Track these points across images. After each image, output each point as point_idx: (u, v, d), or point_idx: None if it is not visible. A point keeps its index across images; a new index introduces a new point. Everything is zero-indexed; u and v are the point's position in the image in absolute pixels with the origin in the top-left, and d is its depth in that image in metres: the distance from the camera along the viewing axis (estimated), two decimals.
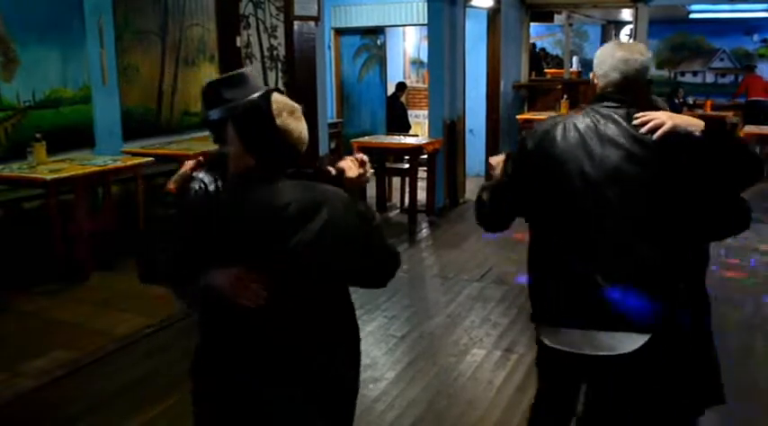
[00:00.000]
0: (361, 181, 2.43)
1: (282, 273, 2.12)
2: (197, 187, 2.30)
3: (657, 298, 2.42)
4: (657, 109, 2.67)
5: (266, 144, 2.17)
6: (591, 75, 2.71)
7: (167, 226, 2.25)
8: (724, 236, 2.74)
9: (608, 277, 2.42)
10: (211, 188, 2.29)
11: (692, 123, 2.46)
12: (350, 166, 2.40)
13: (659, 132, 2.41)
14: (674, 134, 2.41)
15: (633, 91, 2.56)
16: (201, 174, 2.33)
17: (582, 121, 2.52)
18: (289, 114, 2.18)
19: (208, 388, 2.44)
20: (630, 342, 2.42)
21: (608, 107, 2.53)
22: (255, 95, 2.27)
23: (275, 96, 2.23)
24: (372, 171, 2.51)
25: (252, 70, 2.73)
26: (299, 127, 2.20)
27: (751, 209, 2.57)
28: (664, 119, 2.43)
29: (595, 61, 2.64)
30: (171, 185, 2.31)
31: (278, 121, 2.15)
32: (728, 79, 16.70)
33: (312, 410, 2.24)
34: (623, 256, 2.43)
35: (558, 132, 2.51)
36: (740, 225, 2.57)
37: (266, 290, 2.11)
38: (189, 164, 2.36)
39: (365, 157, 2.46)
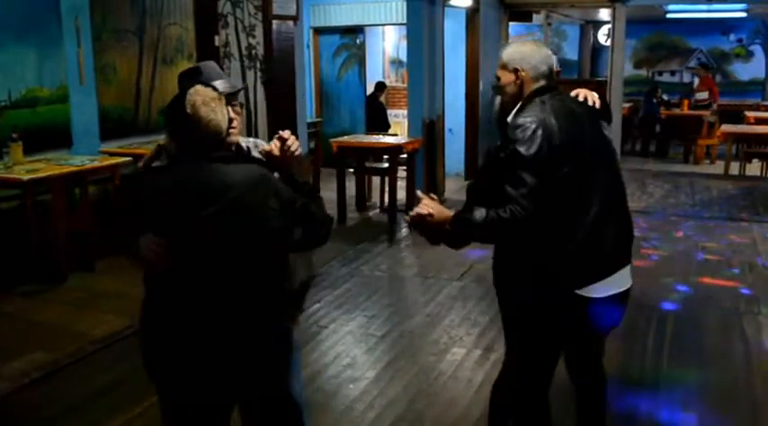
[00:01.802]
0: (286, 157, 2.67)
1: (197, 241, 2.42)
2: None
3: (631, 230, 3.02)
4: None
5: (179, 131, 2.49)
6: (508, 70, 3.00)
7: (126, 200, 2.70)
8: None
9: (616, 224, 2.90)
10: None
11: (595, 95, 3.06)
12: (273, 147, 2.68)
13: (598, 103, 3.01)
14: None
15: (555, 79, 3.05)
16: (162, 158, 2.67)
17: (559, 109, 2.84)
18: (203, 104, 2.40)
19: (152, 336, 2.63)
20: (629, 276, 2.98)
21: (557, 94, 2.95)
22: (179, 93, 2.50)
23: (198, 88, 2.46)
24: (297, 145, 2.71)
25: (210, 64, 2.82)
26: (210, 115, 2.41)
27: None
28: (586, 93, 3.04)
29: (516, 58, 2.99)
30: (139, 164, 2.76)
31: (189, 110, 2.40)
32: None
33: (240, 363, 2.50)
34: (620, 204, 2.97)
35: (553, 121, 2.77)
36: None
37: (170, 254, 2.43)
38: (153, 148, 2.77)
39: (285, 133, 2.68)
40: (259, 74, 5.28)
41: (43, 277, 6.01)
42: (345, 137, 9.38)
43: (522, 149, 2.69)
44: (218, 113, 2.43)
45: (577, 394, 3.31)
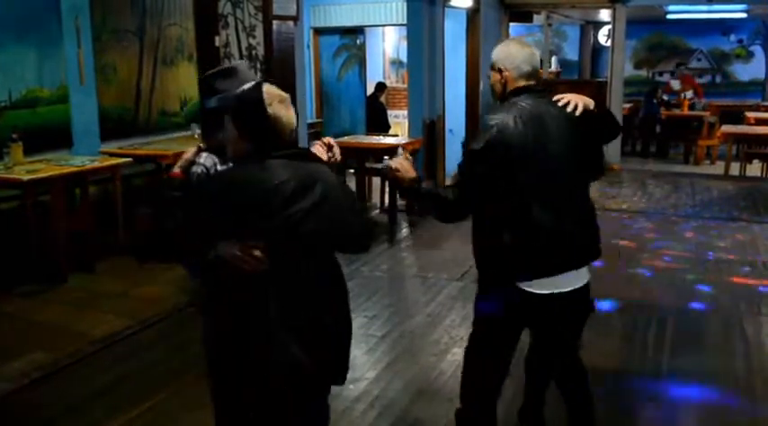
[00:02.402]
0: (330, 162, 2.76)
1: (282, 242, 2.39)
2: (199, 171, 2.64)
3: (595, 236, 3.15)
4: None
5: (259, 130, 2.44)
6: (495, 69, 3.11)
7: (176, 206, 2.51)
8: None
9: (572, 226, 3.00)
10: (212, 171, 2.64)
11: (589, 101, 3.05)
12: (319, 151, 2.76)
13: (579, 110, 3.00)
14: (586, 110, 3.02)
15: (539, 79, 3.13)
16: (203, 159, 2.67)
17: (522, 111, 2.96)
18: (279, 102, 2.44)
19: (221, 356, 2.69)
20: (582, 280, 3.06)
21: (535, 96, 3.02)
22: (247, 86, 2.50)
23: (266, 86, 2.48)
24: (339, 152, 2.83)
25: (243, 64, 2.89)
26: (288, 114, 2.46)
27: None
28: (577, 100, 3.02)
29: (501, 57, 3.09)
30: (176, 170, 2.62)
31: (269, 110, 2.41)
32: (705, 79, 16.84)
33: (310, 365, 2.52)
34: (578, 209, 3.05)
35: (509, 125, 2.91)
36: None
37: (267, 258, 2.36)
38: (191, 150, 2.68)
39: (332, 140, 2.84)
40: (259, 74, 5.27)
41: (43, 277, 6.01)
42: (346, 137, 9.37)
43: (473, 144, 2.97)
44: (292, 111, 2.50)
45: (560, 391, 3.46)
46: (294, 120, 2.50)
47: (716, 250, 7.16)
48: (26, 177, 5.72)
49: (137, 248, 6.62)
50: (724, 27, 16.47)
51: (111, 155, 6.89)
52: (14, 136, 6.06)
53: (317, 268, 2.52)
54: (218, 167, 2.66)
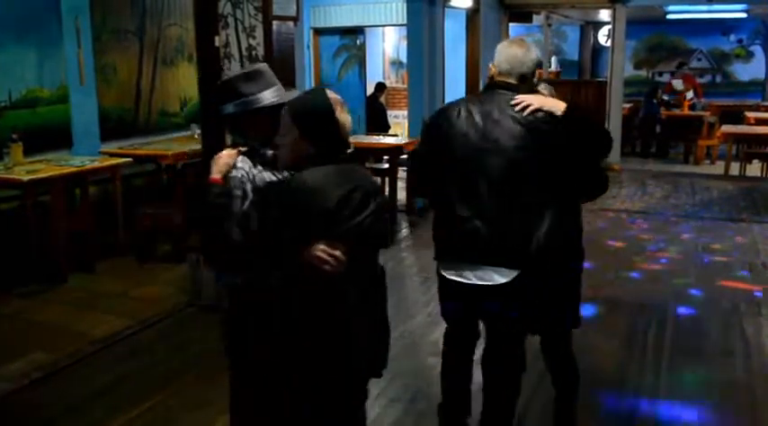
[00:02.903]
0: None
1: (354, 245, 2.44)
2: (239, 175, 2.59)
3: (523, 244, 3.04)
4: (537, 94, 3.27)
5: (328, 135, 2.49)
6: (489, 65, 3.29)
7: (225, 211, 2.51)
8: (587, 199, 3.63)
9: (488, 225, 3.04)
10: (251, 174, 2.60)
11: (555, 105, 3.05)
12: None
13: (527, 110, 3.03)
14: (540, 112, 3.03)
15: (518, 78, 3.16)
16: (240, 163, 2.61)
17: (474, 103, 3.15)
18: (341, 107, 2.52)
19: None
20: (502, 276, 3.05)
21: (499, 92, 3.13)
22: (311, 92, 2.58)
23: (327, 92, 2.54)
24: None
25: (265, 65, 2.85)
26: (348, 118, 2.55)
27: (608, 178, 3.52)
28: (532, 100, 3.05)
29: (495, 53, 3.25)
30: (217, 176, 2.59)
31: (336, 115, 2.48)
32: (705, 79, 16.84)
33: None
34: (499, 210, 3.04)
35: (454, 112, 3.15)
36: (598, 189, 3.53)
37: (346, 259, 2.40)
38: (230, 155, 2.63)
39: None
40: None
41: (43, 277, 6.01)
42: None
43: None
44: (348, 115, 2.56)
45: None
46: (351, 125, 2.58)
47: (715, 250, 7.16)
48: (26, 177, 5.72)
49: (138, 248, 6.63)
50: (724, 27, 16.47)
51: (111, 155, 6.90)
52: (14, 136, 6.06)
53: (374, 266, 2.67)
54: (254, 171, 2.61)
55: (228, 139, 5.27)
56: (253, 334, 2.63)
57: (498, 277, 3.06)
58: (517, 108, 3.04)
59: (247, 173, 2.59)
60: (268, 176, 2.64)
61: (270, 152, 2.68)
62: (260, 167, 2.64)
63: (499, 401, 3.36)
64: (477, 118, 3.09)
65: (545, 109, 3.03)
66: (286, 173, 2.61)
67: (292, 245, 2.41)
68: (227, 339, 2.81)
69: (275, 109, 2.65)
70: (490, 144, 3.04)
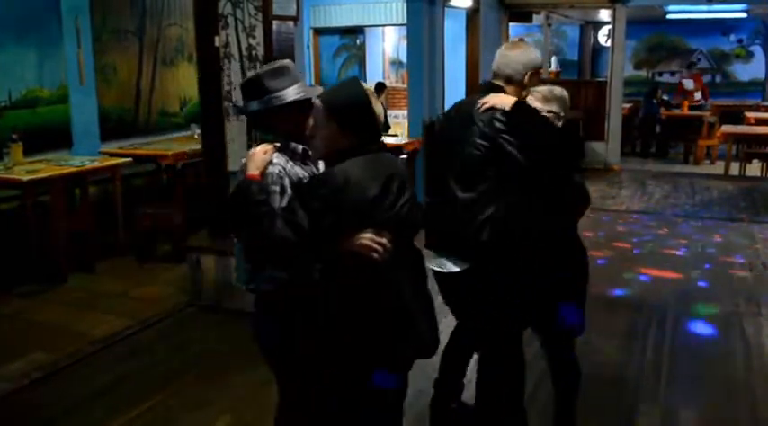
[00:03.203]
0: None
1: (398, 232, 2.49)
2: (277, 171, 2.58)
3: (474, 237, 3.11)
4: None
5: (366, 126, 2.53)
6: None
7: (266, 207, 2.48)
8: (567, 214, 3.41)
9: (449, 218, 3.20)
10: (287, 169, 2.60)
11: (504, 101, 3.12)
12: None
13: (481, 109, 3.13)
14: (492, 109, 3.11)
15: (504, 80, 3.25)
16: (276, 159, 2.62)
17: (461, 104, 3.38)
18: (374, 99, 2.55)
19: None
20: (456, 266, 3.20)
21: (483, 93, 3.23)
22: (346, 85, 2.58)
23: (363, 84, 2.57)
24: None
25: (289, 61, 2.85)
26: (381, 109, 2.58)
27: (586, 191, 3.48)
28: (488, 100, 3.14)
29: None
30: (254, 172, 2.56)
31: (372, 106, 2.52)
32: (705, 79, 16.83)
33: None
34: (457, 205, 3.17)
35: (449, 113, 3.45)
36: (573, 202, 3.41)
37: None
38: (266, 150, 2.62)
39: None
40: None
41: (43, 277, 6.01)
42: None
43: None
44: (380, 105, 2.59)
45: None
46: (382, 113, 2.62)
47: (715, 250, 7.16)
48: (26, 177, 5.72)
49: (138, 248, 6.62)
50: (724, 27, 16.47)
51: (111, 155, 6.90)
52: (14, 136, 6.07)
53: (414, 250, 2.68)
54: (290, 165, 2.63)
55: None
56: (300, 329, 2.64)
57: (452, 266, 3.21)
58: (477, 107, 3.16)
59: (284, 168, 2.60)
60: (301, 171, 2.66)
61: (300, 147, 2.70)
62: (293, 162, 2.66)
63: (488, 398, 3.43)
64: (456, 118, 3.30)
65: (497, 106, 3.11)
66: (321, 167, 2.66)
67: (332, 238, 2.42)
68: (268, 337, 2.81)
69: (300, 104, 2.67)
70: (456, 142, 3.20)
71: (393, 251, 2.44)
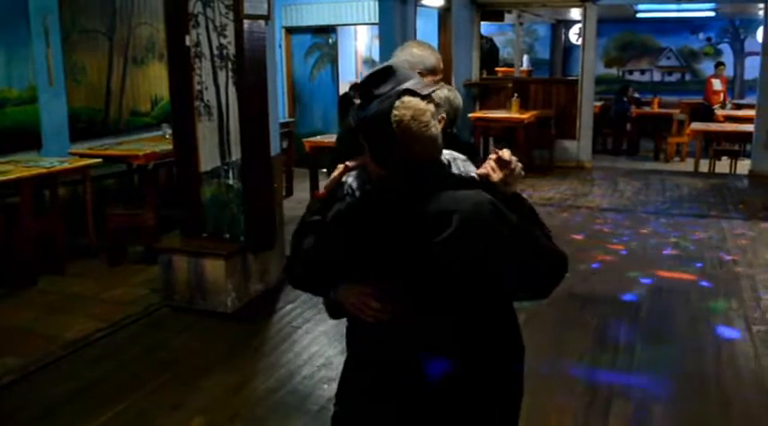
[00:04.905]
0: (507, 182, 2.14)
1: (421, 283, 2.02)
2: (343, 190, 2.22)
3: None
4: None
5: (387, 155, 2.06)
6: None
7: (309, 232, 2.22)
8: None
9: None
10: (358, 193, 2.19)
11: None
12: (491, 169, 2.14)
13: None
14: None
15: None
16: (350, 179, 2.23)
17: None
18: (412, 119, 2.03)
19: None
20: None
21: None
22: (386, 97, 2.13)
23: (404, 100, 2.06)
24: (521, 166, 2.17)
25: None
26: (425, 133, 2.05)
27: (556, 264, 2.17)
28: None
29: None
30: (322, 190, 2.28)
31: (396, 128, 2.04)
32: (675, 77, 17.02)
33: None
34: None
35: None
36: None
37: (394, 305, 2.04)
38: (339, 168, 2.27)
39: (505, 154, 2.13)
40: (231, 74, 5.25)
41: (12, 280, 5.94)
42: (318, 136, 9.35)
43: None
44: (433, 129, 2.03)
45: None
46: (439, 140, 2.07)
47: (686, 246, 7.23)
48: None
49: (109, 250, 6.56)
50: (693, 26, 16.67)
51: (81, 156, 6.83)
52: None
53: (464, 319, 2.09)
54: (367, 188, 2.25)
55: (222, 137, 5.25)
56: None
57: None
58: None
59: (353, 190, 2.21)
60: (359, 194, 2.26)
61: None
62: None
63: None
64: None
65: None
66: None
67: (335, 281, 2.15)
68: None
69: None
70: None
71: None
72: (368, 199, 2.13)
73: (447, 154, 2.19)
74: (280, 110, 10.29)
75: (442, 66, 3.09)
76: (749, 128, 11.40)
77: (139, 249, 6.68)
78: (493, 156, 2.13)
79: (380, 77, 2.32)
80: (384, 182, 2.08)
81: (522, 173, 2.15)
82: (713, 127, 12.40)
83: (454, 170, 2.18)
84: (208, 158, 5.48)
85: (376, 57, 12.33)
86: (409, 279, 2.03)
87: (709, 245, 7.25)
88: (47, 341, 4.92)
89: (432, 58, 3.05)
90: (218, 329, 5.25)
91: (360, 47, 13.97)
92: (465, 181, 2.11)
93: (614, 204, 9.17)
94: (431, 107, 2.04)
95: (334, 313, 2.28)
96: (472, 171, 2.19)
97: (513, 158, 2.12)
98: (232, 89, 5.24)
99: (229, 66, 5.25)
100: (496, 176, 2.12)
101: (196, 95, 5.39)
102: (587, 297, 5.75)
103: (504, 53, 16.62)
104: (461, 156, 2.25)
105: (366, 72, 2.46)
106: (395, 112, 2.00)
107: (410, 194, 2.03)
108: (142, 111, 8.10)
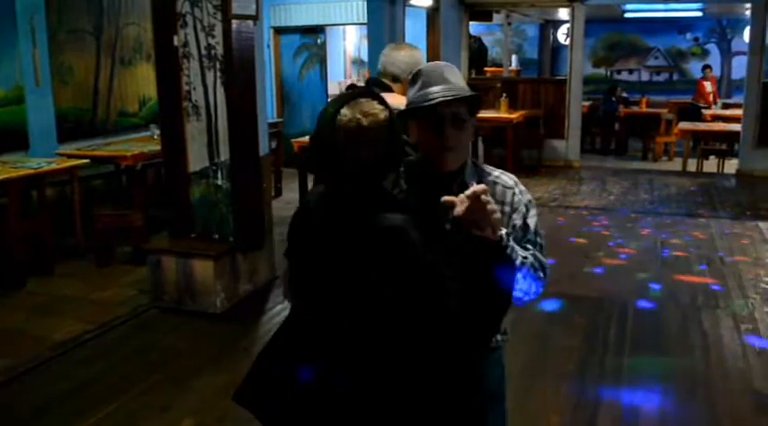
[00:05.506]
0: (476, 221, 1.87)
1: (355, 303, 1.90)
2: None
3: None
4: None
5: (325, 165, 1.98)
6: None
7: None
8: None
9: None
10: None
11: (395, 101, 2.74)
12: (459, 201, 1.88)
13: None
14: None
15: (390, 78, 3.39)
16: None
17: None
18: (349, 123, 1.93)
19: None
20: None
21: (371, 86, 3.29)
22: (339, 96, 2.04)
23: (357, 101, 1.95)
24: (497, 212, 1.91)
25: (438, 65, 2.30)
26: (361, 141, 1.94)
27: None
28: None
29: None
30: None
31: (339, 136, 1.96)
32: (663, 77, 17.09)
33: None
34: None
35: None
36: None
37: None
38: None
39: (477, 190, 1.86)
40: (219, 74, 5.24)
41: (1, 282, 5.91)
42: (307, 136, 9.34)
43: None
44: (380, 131, 1.90)
45: None
46: (374, 153, 1.92)
47: (674, 246, 7.26)
48: None
49: (97, 251, 6.54)
50: (680, 26, 16.74)
51: (69, 156, 6.80)
52: None
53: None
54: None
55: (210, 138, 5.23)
56: None
57: None
58: None
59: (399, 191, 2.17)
60: None
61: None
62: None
63: None
64: None
65: (393, 107, 3.01)
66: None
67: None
68: None
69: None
70: None
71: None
72: (305, 213, 2.06)
73: (512, 177, 2.24)
74: (268, 110, 10.29)
75: None
76: (737, 127, 11.45)
77: (128, 250, 6.66)
78: (469, 191, 1.89)
79: (412, 81, 2.25)
80: (322, 196, 2.01)
81: (498, 215, 1.90)
82: (701, 126, 12.46)
83: (517, 193, 2.19)
84: (196, 158, 5.47)
85: (365, 57, 12.33)
86: (345, 296, 1.91)
87: (696, 244, 7.28)
88: (36, 343, 4.89)
89: (423, 61, 3.22)
90: (208, 330, 5.23)
91: (348, 47, 13.98)
92: (398, 205, 1.96)
93: (603, 204, 9.19)
94: (382, 109, 1.93)
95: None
96: (526, 199, 2.22)
97: (487, 199, 1.87)
98: (220, 89, 5.23)
99: (218, 66, 5.24)
100: (460, 209, 1.87)
101: (184, 96, 5.37)
102: (575, 297, 5.76)
103: (493, 53, 16.63)
104: (521, 185, 2.25)
105: (355, 72, 2.47)
106: (341, 112, 1.90)
107: (340, 211, 1.93)
108: (130, 112, 8.07)
